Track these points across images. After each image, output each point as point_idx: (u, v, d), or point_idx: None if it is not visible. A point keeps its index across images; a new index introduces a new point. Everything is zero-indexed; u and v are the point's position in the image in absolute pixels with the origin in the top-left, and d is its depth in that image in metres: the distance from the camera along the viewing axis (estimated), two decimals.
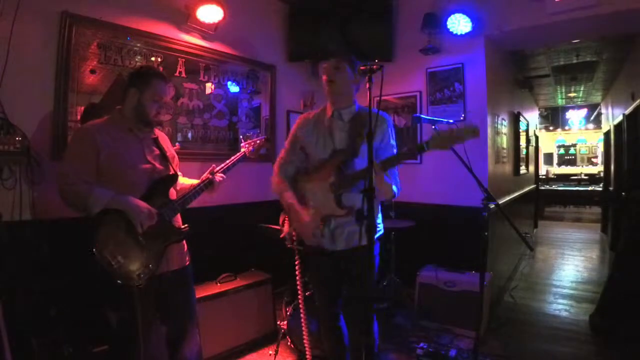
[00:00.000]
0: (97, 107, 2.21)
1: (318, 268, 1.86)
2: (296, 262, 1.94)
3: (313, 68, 3.78)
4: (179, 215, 1.77)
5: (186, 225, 1.75)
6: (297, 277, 1.95)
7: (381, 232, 1.85)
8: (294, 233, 1.80)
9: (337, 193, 1.67)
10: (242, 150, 2.00)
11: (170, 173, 1.74)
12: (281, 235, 1.88)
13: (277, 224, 2.44)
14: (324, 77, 1.70)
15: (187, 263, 1.79)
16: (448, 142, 1.51)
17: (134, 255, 1.51)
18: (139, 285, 1.49)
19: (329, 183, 1.69)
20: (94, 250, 1.44)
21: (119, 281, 1.46)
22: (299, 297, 2.02)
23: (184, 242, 1.79)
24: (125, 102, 1.66)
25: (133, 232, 1.52)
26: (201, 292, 2.39)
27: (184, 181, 1.92)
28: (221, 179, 1.84)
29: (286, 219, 1.87)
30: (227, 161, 1.92)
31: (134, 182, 1.60)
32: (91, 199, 1.46)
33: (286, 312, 2.46)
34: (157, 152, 1.73)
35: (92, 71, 2.26)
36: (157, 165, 1.70)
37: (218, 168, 1.87)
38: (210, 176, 1.82)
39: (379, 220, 1.84)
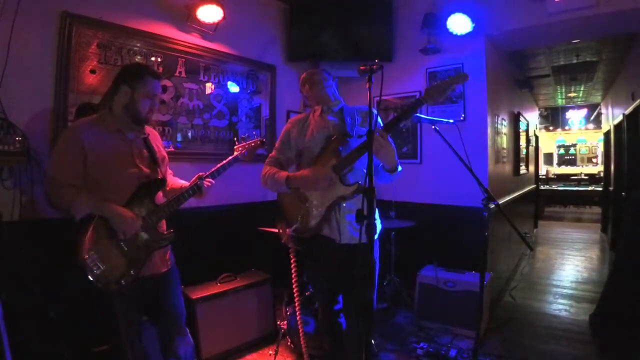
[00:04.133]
0: (91, 106, 2.15)
1: (320, 262, 1.84)
2: (292, 264, 1.92)
3: (313, 68, 3.78)
4: (164, 220, 1.74)
5: (171, 230, 1.72)
6: (294, 279, 1.93)
7: (380, 229, 1.82)
8: (289, 231, 1.82)
9: (340, 174, 1.69)
10: (235, 153, 1.97)
11: (158, 177, 1.70)
12: (283, 240, 1.88)
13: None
14: (319, 86, 1.88)
15: (171, 266, 1.77)
16: (441, 91, 1.62)
17: (115, 262, 1.50)
18: (118, 290, 1.48)
19: (330, 166, 1.71)
20: (76, 254, 1.43)
21: (98, 285, 1.45)
22: (296, 299, 2.01)
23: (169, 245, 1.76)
24: (115, 100, 1.62)
25: (115, 238, 1.50)
26: (201, 292, 2.39)
27: (175, 181, 1.89)
28: (209, 184, 1.79)
29: (282, 228, 1.89)
30: (218, 165, 1.87)
31: (120, 187, 1.57)
32: (75, 204, 1.45)
33: (286, 312, 2.46)
34: (146, 154, 1.69)
35: (92, 71, 2.26)
36: (144, 169, 1.66)
37: (207, 173, 1.81)
38: (199, 182, 1.76)
39: (376, 216, 1.83)
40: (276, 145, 1.97)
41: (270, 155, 1.97)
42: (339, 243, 1.74)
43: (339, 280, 1.82)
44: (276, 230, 2.38)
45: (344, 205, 1.73)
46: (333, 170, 1.70)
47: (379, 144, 1.56)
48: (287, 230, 1.84)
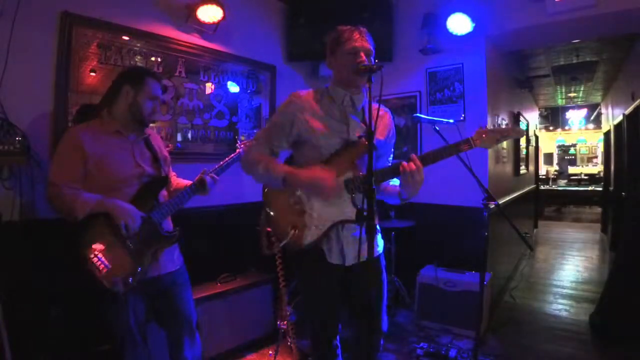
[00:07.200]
0: (92, 108, 2.16)
1: (318, 285, 1.53)
2: (279, 267, 1.81)
3: (313, 68, 3.79)
4: (169, 218, 1.75)
5: (177, 228, 1.72)
6: (280, 282, 1.85)
7: (382, 245, 1.63)
8: (275, 244, 1.52)
9: (354, 193, 1.42)
10: (238, 150, 1.99)
11: (162, 176, 1.71)
12: (264, 251, 1.58)
13: None
14: (360, 53, 1.40)
15: (180, 265, 1.77)
16: (493, 141, 1.43)
17: (121, 260, 1.49)
18: (124, 292, 1.48)
19: (344, 180, 1.42)
20: (81, 255, 1.44)
21: (106, 285, 1.45)
22: (284, 300, 1.95)
23: (176, 244, 1.76)
24: (117, 101, 1.63)
25: (120, 236, 1.50)
26: (201, 292, 2.39)
27: (179, 182, 1.90)
28: (212, 179, 1.80)
29: (266, 236, 1.56)
30: (221, 162, 1.90)
31: (123, 187, 1.58)
32: (77, 205, 1.45)
33: (286, 312, 2.46)
34: (148, 154, 1.70)
35: (92, 71, 2.26)
36: (147, 168, 1.67)
37: (211, 170, 1.83)
38: (204, 177, 1.78)
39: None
40: (268, 125, 1.55)
41: (257, 135, 1.59)
42: (337, 264, 1.47)
43: (339, 304, 1.54)
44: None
45: (352, 226, 1.43)
46: (345, 186, 1.41)
47: (411, 176, 1.39)
48: (273, 241, 1.53)
